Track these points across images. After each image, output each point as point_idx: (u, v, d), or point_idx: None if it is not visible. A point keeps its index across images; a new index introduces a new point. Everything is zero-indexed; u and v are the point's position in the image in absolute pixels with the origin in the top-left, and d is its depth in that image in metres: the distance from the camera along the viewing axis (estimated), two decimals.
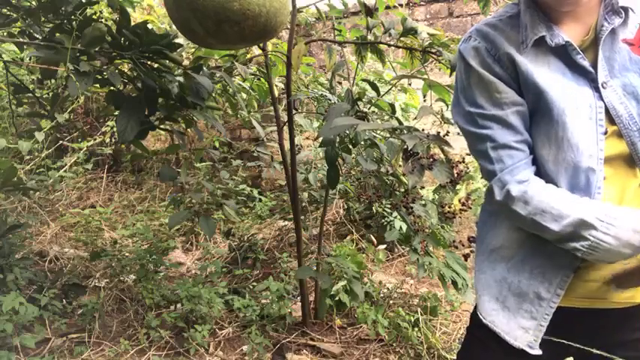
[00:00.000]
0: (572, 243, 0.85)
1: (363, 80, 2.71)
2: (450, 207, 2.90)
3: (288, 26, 2.18)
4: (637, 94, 0.87)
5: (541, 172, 0.93)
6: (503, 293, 0.98)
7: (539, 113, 0.92)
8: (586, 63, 0.89)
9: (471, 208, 3.09)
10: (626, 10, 0.88)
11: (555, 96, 0.88)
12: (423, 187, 3.36)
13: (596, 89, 0.88)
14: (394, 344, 2.33)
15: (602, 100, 0.88)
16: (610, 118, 0.88)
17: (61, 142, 4.17)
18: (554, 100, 0.88)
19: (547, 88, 0.89)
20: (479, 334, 1.03)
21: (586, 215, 0.83)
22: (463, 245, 3.12)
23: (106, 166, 4.82)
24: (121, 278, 2.81)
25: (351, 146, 2.17)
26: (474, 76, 0.95)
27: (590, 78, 0.89)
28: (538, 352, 0.93)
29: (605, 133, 0.88)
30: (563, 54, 0.91)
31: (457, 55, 1.01)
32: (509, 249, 0.98)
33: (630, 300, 0.92)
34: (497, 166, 0.92)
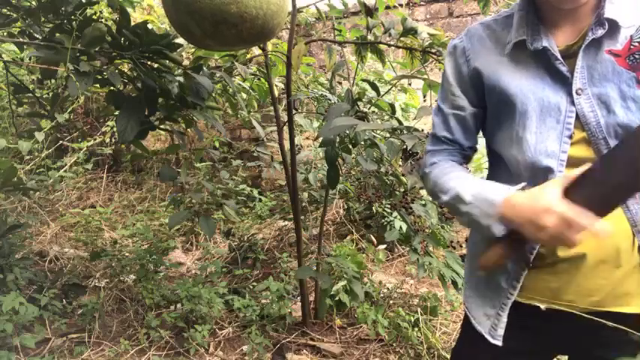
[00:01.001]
0: (457, 215, 0.98)
1: (363, 80, 2.71)
2: None
3: (288, 26, 2.18)
4: (609, 105, 0.88)
5: (510, 174, 0.98)
6: (477, 282, 1.07)
7: (504, 115, 0.97)
8: (564, 69, 0.91)
9: None
10: (612, 22, 0.88)
11: (520, 98, 0.93)
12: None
13: (571, 95, 0.91)
14: (394, 344, 2.33)
15: (574, 106, 0.90)
16: (581, 125, 0.90)
17: (61, 142, 4.17)
18: (518, 102, 0.93)
19: (514, 91, 0.94)
20: (473, 326, 1.06)
21: (462, 191, 0.95)
22: (461, 246, 3.11)
23: (106, 166, 4.82)
24: (121, 278, 2.81)
25: (351, 146, 2.17)
26: (445, 73, 1.09)
27: (567, 83, 0.91)
28: (497, 342, 0.99)
29: (571, 137, 0.90)
30: (544, 58, 0.94)
31: None
32: (484, 241, 1.04)
33: (596, 307, 0.92)
34: (429, 148, 1.11)
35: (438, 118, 1.09)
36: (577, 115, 0.90)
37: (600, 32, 0.89)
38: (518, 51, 0.96)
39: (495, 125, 1.01)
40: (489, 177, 1.10)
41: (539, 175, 0.92)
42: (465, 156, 1.10)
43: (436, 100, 1.13)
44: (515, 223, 0.86)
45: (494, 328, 1.00)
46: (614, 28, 0.89)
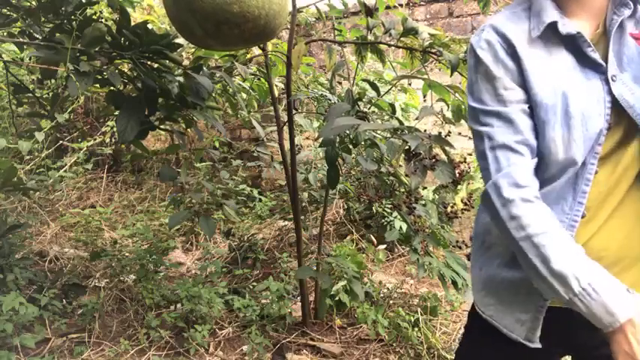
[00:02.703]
0: (539, 282, 0.85)
1: (363, 80, 2.71)
2: (452, 207, 2.90)
3: (288, 26, 2.18)
4: None
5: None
6: (499, 288, 1.00)
7: (541, 115, 0.89)
8: (597, 56, 0.88)
9: (473, 207, 3.10)
10: (635, 1, 0.88)
11: (561, 99, 0.87)
12: (425, 188, 3.36)
13: (606, 82, 0.87)
14: (394, 344, 2.33)
15: (611, 93, 0.87)
16: (616, 113, 0.87)
17: (61, 142, 4.17)
18: (560, 104, 0.87)
19: (551, 92, 0.88)
20: (477, 329, 1.04)
21: (570, 275, 0.80)
22: (467, 246, 3.12)
23: (106, 166, 4.82)
24: (121, 278, 2.81)
25: (351, 146, 2.17)
26: (482, 70, 0.93)
27: (600, 71, 0.88)
28: (537, 345, 0.94)
29: (609, 128, 0.87)
30: (573, 46, 0.90)
31: (469, 50, 0.97)
32: (503, 245, 0.99)
33: None
34: (493, 167, 0.89)
35: (491, 125, 0.90)
36: (611, 103, 0.87)
37: (627, 12, 0.87)
38: (546, 40, 0.91)
39: None
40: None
41: (569, 168, 0.88)
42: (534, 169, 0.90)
43: (472, 103, 0.95)
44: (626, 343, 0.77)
45: (532, 333, 0.94)
46: (636, 8, 0.88)
